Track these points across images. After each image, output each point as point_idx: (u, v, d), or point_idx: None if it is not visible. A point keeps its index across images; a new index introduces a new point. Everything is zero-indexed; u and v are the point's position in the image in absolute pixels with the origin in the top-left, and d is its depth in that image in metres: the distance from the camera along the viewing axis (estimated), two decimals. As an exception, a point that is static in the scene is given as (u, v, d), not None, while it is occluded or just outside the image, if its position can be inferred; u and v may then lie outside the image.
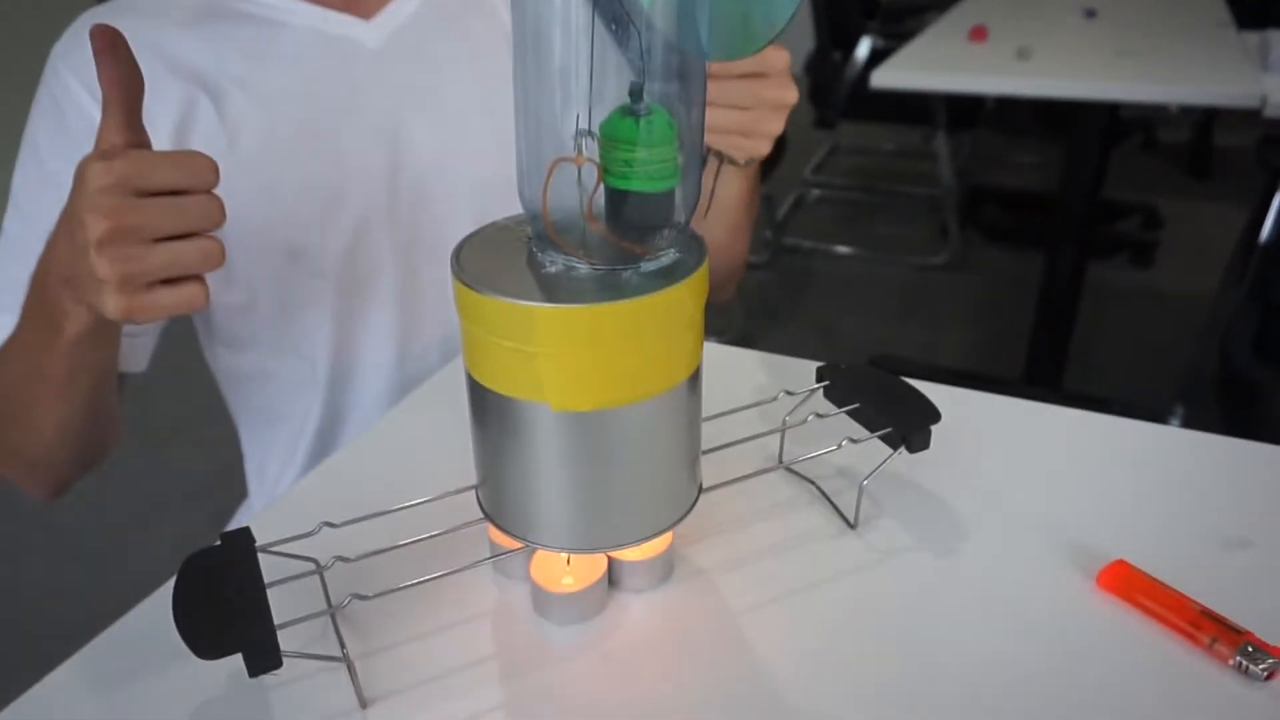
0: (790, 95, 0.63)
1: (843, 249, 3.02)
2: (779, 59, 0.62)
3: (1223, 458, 0.62)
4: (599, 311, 0.40)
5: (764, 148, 0.66)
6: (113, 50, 0.47)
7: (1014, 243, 3.02)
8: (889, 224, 3.25)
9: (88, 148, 0.65)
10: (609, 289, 0.41)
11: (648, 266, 0.43)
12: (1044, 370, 2.05)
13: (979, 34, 1.96)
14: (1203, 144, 3.53)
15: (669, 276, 0.42)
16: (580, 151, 0.40)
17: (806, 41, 3.05)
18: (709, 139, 0.64)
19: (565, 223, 0.43)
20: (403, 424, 0.68)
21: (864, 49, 2.84)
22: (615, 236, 0.43)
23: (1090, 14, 2.19)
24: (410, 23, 0.76)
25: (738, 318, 2.46)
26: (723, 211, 0.74)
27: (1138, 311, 2.56)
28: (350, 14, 0.74)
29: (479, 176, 0.76)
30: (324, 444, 0.81)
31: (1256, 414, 1.60)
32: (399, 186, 0.74)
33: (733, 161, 0.67)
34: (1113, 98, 1.57)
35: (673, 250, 0.44)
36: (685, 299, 0.43)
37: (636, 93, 0.40)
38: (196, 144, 0.68)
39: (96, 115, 0.65)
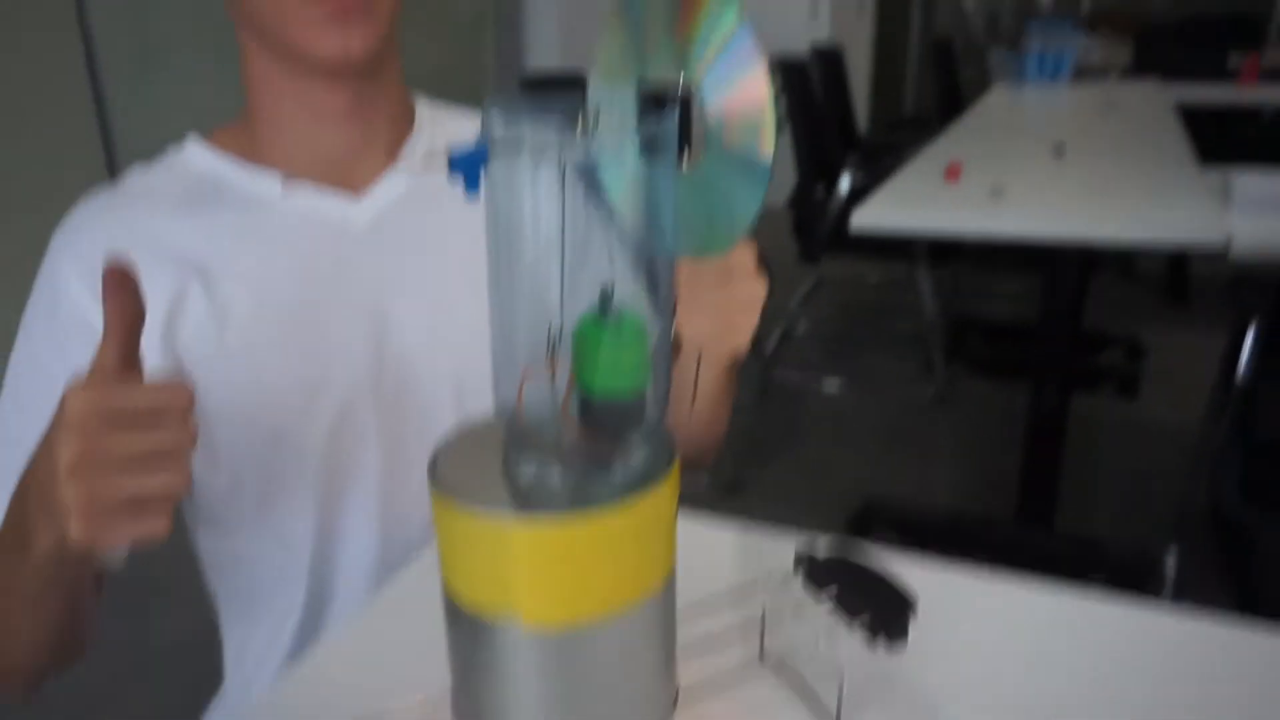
0: (760, 291, 0.65)
1: (831, 384, 3.02)
2: (746, 255, 0.64)
3: (1223, 647, 0.59)
4: (572, 526, 0.39)
5: (742, 345, 0.66)
6: (121, 287, 0.50)
7: (1000, 375, 3.03)
8: (877, 357, 3.27)
9: (76, 338, 0.68)
10: (583, 497, 0.41)
11: (621, 468, 0.43)
12: (1036, 507, 2.02)
13: (953, 172, 2.01)
14: (1179, 272, 3.61)
15: (644, 480, 0.41)
16: (552, 358, 0.40)
17: (789, 176, 3.14)
18: (687, 346, 0.64)
19: (539, 423, 0.42)
20: (383, 619, 0.64)
21: (844, 184, 2.92)
22: (589, 437, 0.42)
23: (1059, 151, 2.26)
24: (400, 201, 0.76)
25: (726, 463, 2.43)
26: (704, 400, 0.73)
27: (1126, 443, 2.54)
28: (341, 190, 0.74)
29: (464, 358, 0.75)
30: (305, 633, 0.78)
31: (1253, 556, 1.56)
32: (383, 368, 0.73)
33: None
34: (1083, 237, 1.59)
35: (645, 451, 0.44)
36: (661, 502, 0.42)
37: (606, 298, 0.40)
38: (186, 333, 0.69)
39: (86, 306, 0.67)
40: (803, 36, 4.41)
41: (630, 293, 0.41)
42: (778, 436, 2.71)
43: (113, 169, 2.29)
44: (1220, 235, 1.45)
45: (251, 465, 0.71)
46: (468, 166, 0.37)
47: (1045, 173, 2.06)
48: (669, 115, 0.39)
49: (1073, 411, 2.00)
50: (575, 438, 0.42)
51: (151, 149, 0.77)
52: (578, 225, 0.38)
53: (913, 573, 0.58)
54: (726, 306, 0.63)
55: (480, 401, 0.72)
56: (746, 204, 0.40)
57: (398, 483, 0.75)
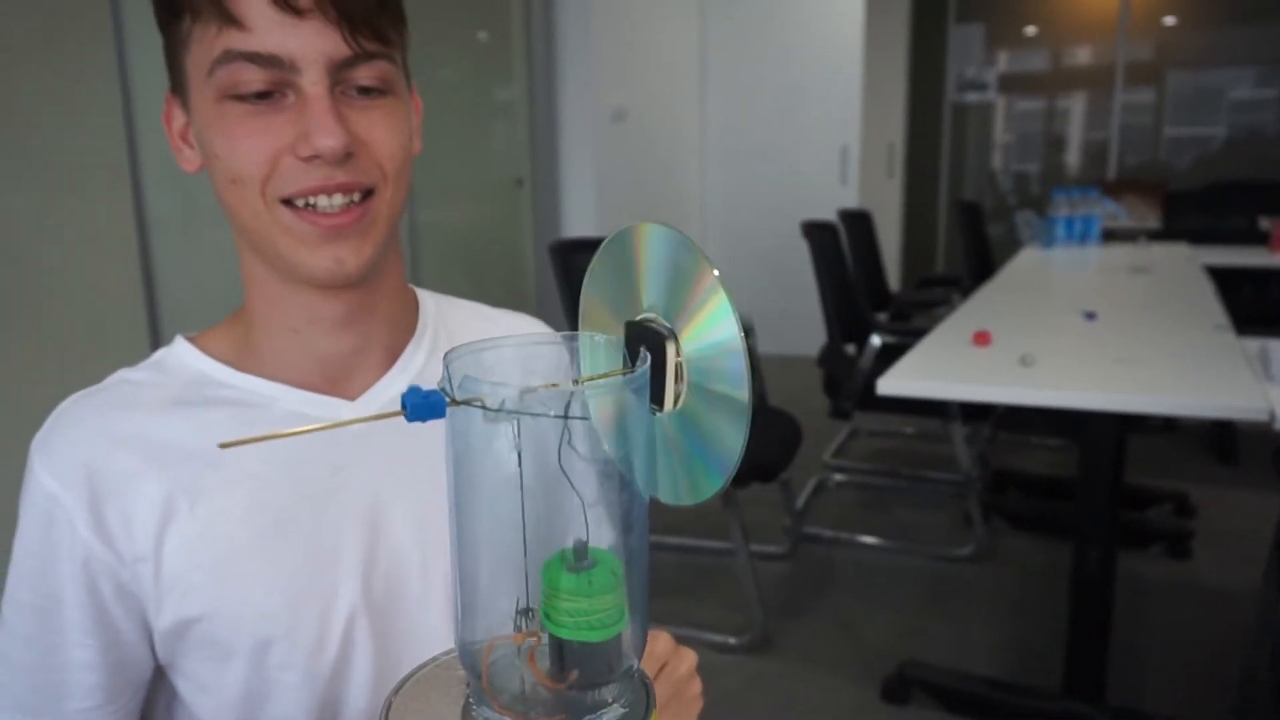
0: (691, 658, 0.70)
1: (866, 538, 2.97)
2: (660, 643, 0.70)
3: None
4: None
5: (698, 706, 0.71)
6: None
7: (1041, 531, 2.96)
8: (913, 511, 3.22)
9: (50, 532, 0.66)
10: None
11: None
12: (1084, 675, 1.93)
13: (982, 339, 2.04)
14: (1225, 429, 3.55)
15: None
16: (520, 629, 0.41)
17: (819, 335, 3.20)
18: None
19: (505, 672, 0.42)
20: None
21: (874, 343, 2.97)
22: (559, 686, 0.42)
23: (1090, 316, 2.29)
24: (395, 402, 0.76)
25: (757, 618, 2.37)
26: None
27: (1179, 607, 2.44)
28: (334, 396, 0.73)
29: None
30: None
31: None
32: (375, 570, 0.71)
33: None
34: (1118, 409, 1.59)
35: (619, 704, 0.43)
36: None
37: (580, 551, 0.40)
38: (172, 545, 0.67)
39: (57, 494, 0.66)
40: (832, 202, 4.58)
41: (606, 537, 0.42)
42: (810, 593, 2.65)
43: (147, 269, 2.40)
44: (1263, 406, 1.44)
45: (234, 678, 0.69)
46: (421, 414, 0.38)
47: (1076, 337, 2.08)
48: (645, 359, 0.41)
49: (1121, 571, 1.94)
50: (544, 689, 0.41)
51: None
52: (546, 471, 0.39)
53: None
54: (675, 713, 0.68)
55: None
56: (729, 444, 0.41)
57: (391, 683, 0.73)
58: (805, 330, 4.87)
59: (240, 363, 0.72)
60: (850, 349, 3.14)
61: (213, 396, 0.71)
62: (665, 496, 0.44)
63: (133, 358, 0.75)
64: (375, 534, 0.71)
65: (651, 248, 0.43)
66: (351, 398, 0.74)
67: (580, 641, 0.41)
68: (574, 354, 0.45)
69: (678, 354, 0.42)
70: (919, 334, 2.29)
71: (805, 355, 4.49)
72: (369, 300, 0.72)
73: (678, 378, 0.42)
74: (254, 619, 0.68)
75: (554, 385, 0.38)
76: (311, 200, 0.64)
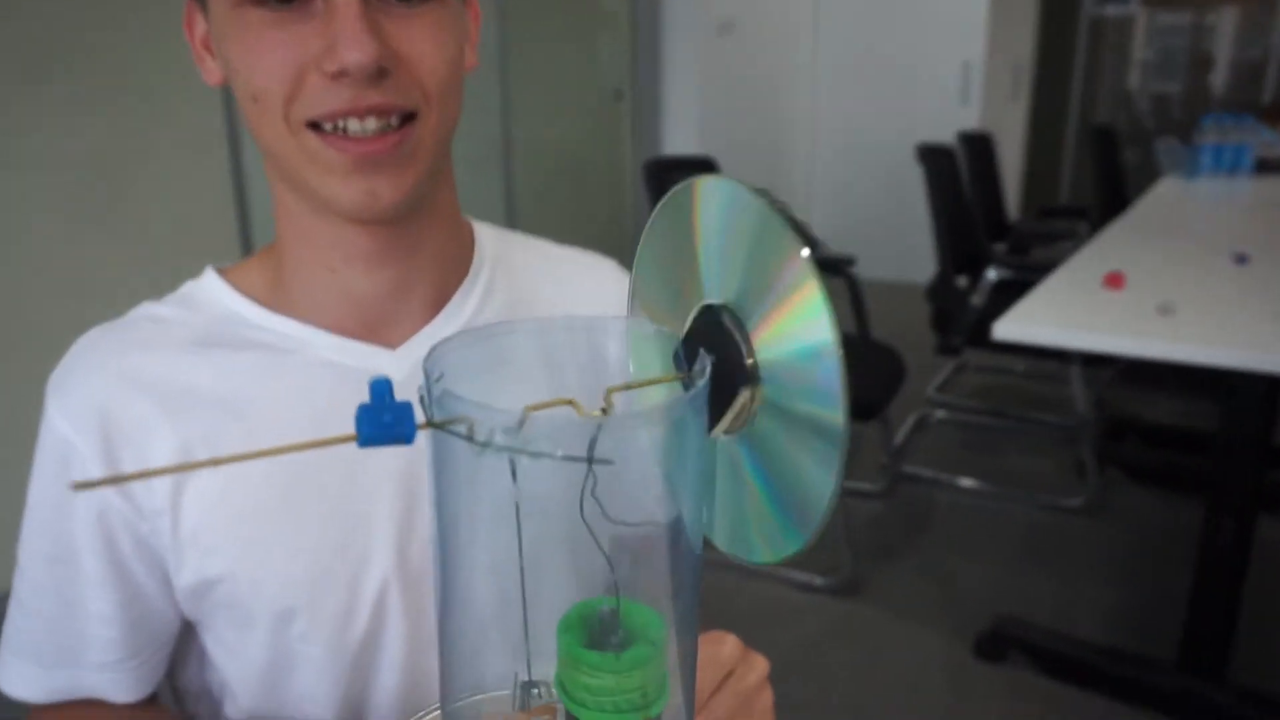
0: (762, 666, 0.61)
1: (967, 481, 2.82)
2: (726, 647, 0.60)
3: None
4: None
5: None
6: None
7: (1164, 486, 2.75)
8: (1020, 455, 3.04)
9: (65, 478, 0.62)
10: None
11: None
12: (1204, 651, 1.78)
13: (1115, 281, 1.85)
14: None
15: None
16: (525, 707, 0.32)
17: (928, 262, 3.01)
18: None
19: None
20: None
21: (990, 277, 2.76)
22: None
23: (1241, 259, 2.05)
24: None
25: (845, 559, 2.28)
26: None
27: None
28: (373, 343, 0.66)
29: None
30: None
31: None
32: (411, 538, 0.65)
33: None
34: (1272, 370, 1.41)
35: None
36: None
37: (609, 624, 0.31)
38: (191, 499, 0.62)
39: (71, 438, 0.61)
40: (951, 124, 4.27)
41: (642, 583, 0.33)
42: (903, 536, 2.54)
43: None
44: None
45: (263, 639, 0.65)
46: (378, 438, 0.28)
47: (1224, 283, 1.86)
48: (705, 366, 0.31)
49: (1257, 540, 1.77)
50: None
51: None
52: (559, 520, 0.30)
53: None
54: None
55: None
56: (816, 485, 0.31)
57: (425, 662, 0.67)
58: (914, 256, 4.64)
59: (272, 301, 0.66)
60: (962, 281, 2.94)
61: (240, 338, 0.65)
62: (730, 549, 0.34)
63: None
64: (412, 498, 0.65)
65: (716, 212, 0.33)
66: (392, 346, 0.66)
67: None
68: (618, 343, 0.36)
69: (749, 359, 0.32)
70: (1039, 270, 2.10)
71: (912, 282, 4.27)
72: (412, 236, 0.64)
73: (750, 393, 0.32)
74: (276, 585, 0.63)
75: (568, 403, 0.28)
76: (341, 124, 0.56)
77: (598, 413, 0.30)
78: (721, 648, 0.61)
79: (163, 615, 0.66)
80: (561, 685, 0.33)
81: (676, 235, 0.34)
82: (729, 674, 0.60)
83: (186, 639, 0.70)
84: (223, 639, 0.66)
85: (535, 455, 0.29)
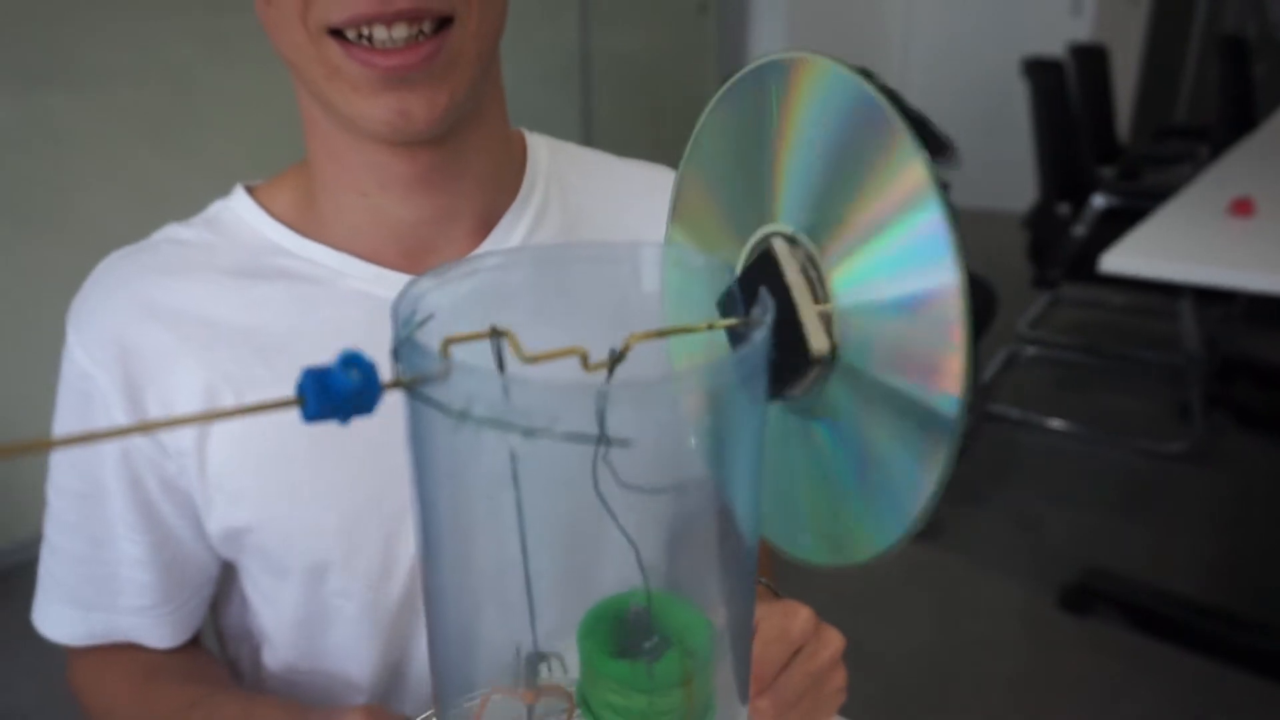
0: (836, 643, 0.54)
1: (1057, 423, 2.67)
2: (799, 621, 0.52)
3: None
4: None
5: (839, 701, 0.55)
6: None
7: (1277, 434, 2.56)
8: (1116, 395, 2.87)
9: (87, 414, 0.58)
10: None
11: None
12: (1314, 614, 1.65)
13: (1243, 208, 1.67)
14: None
15: None
16: (529, 685, 0.25)
17: (1027, 189, 2.80)
18: None
19: None
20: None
21: (1096, 204, 2.56)
22: None
23: (1390, 186, 1.83)
24: None
25: (927, 498, 2.19)
26: None
27: None
28: (412, 274, 0.58)
29: None
30: None
31: None
32: None
33: None
34: None
35: None
36: None
37: (639, 624, 0.24)
38: (217, 442, 0.57)
39: (91, 372, 0.57)
40: (1061, 35, 3.96)
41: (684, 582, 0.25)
42: (988, 478, 2.42)
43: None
44: None
45: (298, 591, 0.61)
46: (328, 410, 0.21)
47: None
48: (767, 311, 0.23)
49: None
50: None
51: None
52: (569, 501, 0.23)
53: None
54: (811, 690, 0.52)
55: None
56: (911, 475, 0.22)
57: None
58: (1012, 181, 4.37)
59: (303, 225, 0.60)
60: (1064, 209, 2.73)
61: (269, 266, 0.59)
62: (793, 549, 0.27)
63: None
64: None
65: (815, 103, 0.24)
66: None
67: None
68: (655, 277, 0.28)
69: (825, 304, 0.23)
70: (1153, 196, 1.92)
71: (1008, 210, 4.03)
72: (456, 157, 0.57)
73: (827, 347, 0.23)
74: (307, 538, 0.58)
75: (574, 353, 0.21)
76: (365, 31, 0.48)
77: (603, 364, 0.22)
78: (793, 621, 0.53)
79: (197, 559, 0.63)
80: (584, 700, 0.27)
81: (744, 131, 0.25)
82: (799, 650, 0.53)
83: (228, 580, 0.67)
84: (259, 585, 0.63)
85: (528, 432, 0.21)
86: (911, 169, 0.21)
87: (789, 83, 0.25)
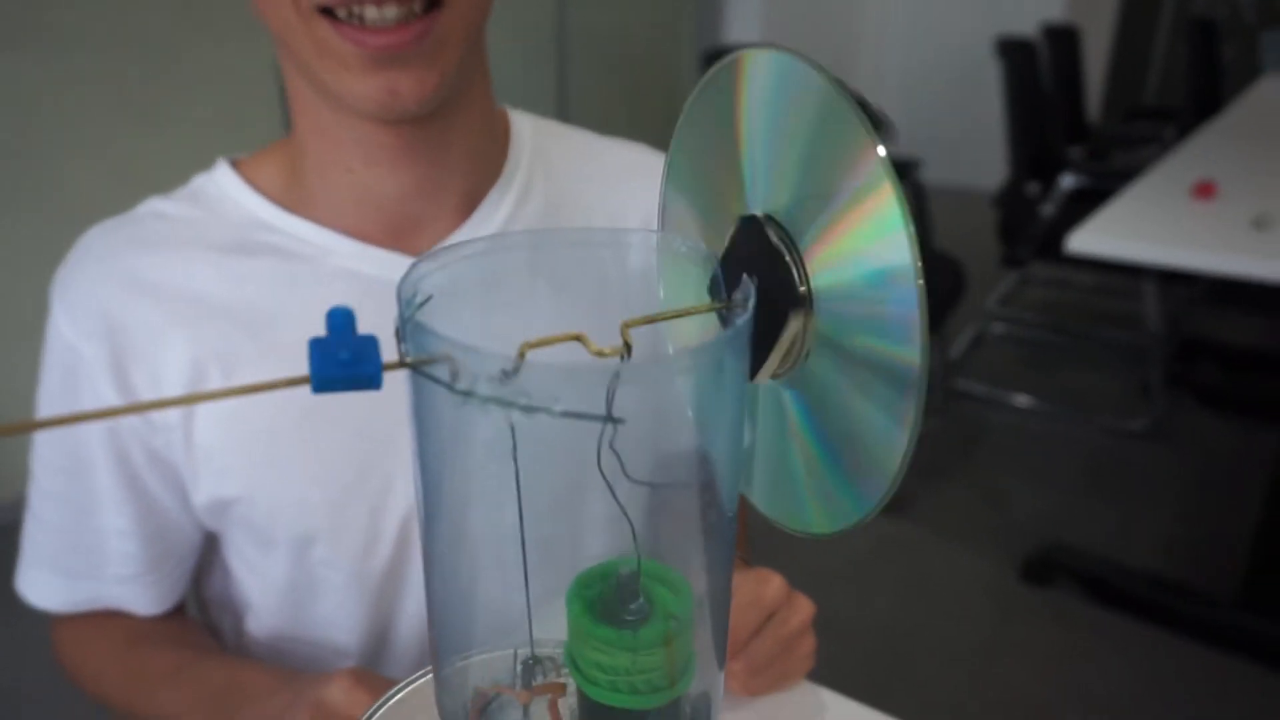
0: (806, 610, 0.58)
1: (1023, 400, 2.73)
2: (771, 588, 0.57)
3: None
4: None
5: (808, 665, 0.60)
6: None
7: (1237, 413, 2.63)
8: (1080, 373, 2.93)
9: (73, 388, 0.59)
10: None
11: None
12: (1267, 588, 1.71)
13: (1205, 191, 1.71)
14: None
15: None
16: (525, 686, 0.27)
17: (998, 168, 2.84)
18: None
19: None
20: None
21: (1065, 184, 2.60)
22: None
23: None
24: None
25: (895, 473, 2.23)
26: None
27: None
28: (397, 250, 0.60)
29: None
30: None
31: None
32: None
33: None
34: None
35: None
36: None
37: (628, 590, 0.26)
38: (204, 417, 0.58)
39: (77, 345, 0.58)
40: (1034, 15, 3.98)
41: (666, 549, 0.27)
42: (954, 454, 2.47)
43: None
44: None
45: (285, 562, 0.62)
46: (335, 382, 0.22)
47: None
48: (748, 294, 0.25)
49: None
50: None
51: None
52: (566, 475, 0.25)
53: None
54: (780, 654, 0.57)
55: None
56: (884, 442, 0.24)
57: None
58: (983, 160, 4.42)
59: (288, 201, 0.60)
60: (1034, 188, 2.77)
61: (254, 242, 0.59)
62: (773, 515, 0.29)
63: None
64: None
65: (767, 94, 0.25)
66: (417, 254, 0.60)
67: (621, 708, 0.27)
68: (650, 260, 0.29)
69: (802, 285, 0.25)
70: (1120, 177, 1.95)
71: (979, 188, 4.07)
72: (441, 134, 0.57)
73: (802, 326, 0.25)
74: (293, 510, 0.59)
75: (575, 339, 0.22)
76: (356, 10, 0.49)
77: (610, 350, 0.24)
78: (766, 588, 0.56)
79: (181, 529, 0.64)
80: (572, 659, 0.28)
81: (716, 127, 0.27)
82: (771, 616, 0.56)
83: (210, 550, 0.68)
84: (244, 555, 0.64)
85: (529, 409, 0.23)
86: (868, 152, 0.23)
87: (737, 75, 0.27)
